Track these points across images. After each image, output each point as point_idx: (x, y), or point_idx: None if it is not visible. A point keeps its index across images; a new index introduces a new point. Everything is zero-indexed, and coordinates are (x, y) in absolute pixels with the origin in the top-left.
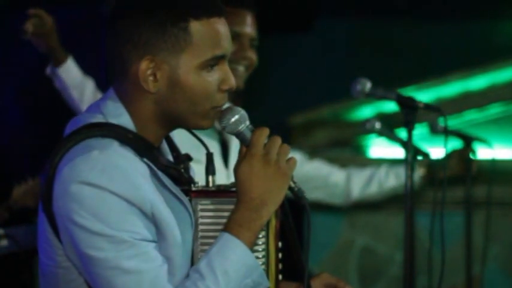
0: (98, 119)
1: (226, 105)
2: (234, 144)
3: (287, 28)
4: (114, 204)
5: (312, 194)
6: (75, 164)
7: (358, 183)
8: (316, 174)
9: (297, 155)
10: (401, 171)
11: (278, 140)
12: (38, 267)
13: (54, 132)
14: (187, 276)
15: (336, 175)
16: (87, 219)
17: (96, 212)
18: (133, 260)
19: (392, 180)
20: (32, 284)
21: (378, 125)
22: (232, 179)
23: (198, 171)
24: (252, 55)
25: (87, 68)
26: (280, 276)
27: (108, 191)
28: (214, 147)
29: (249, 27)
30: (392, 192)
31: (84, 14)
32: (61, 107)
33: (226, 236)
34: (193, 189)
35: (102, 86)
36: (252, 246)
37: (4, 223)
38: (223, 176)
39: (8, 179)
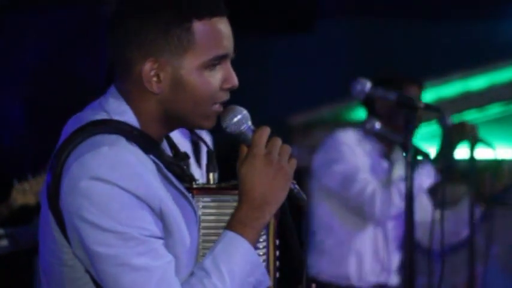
0: (102, 116)
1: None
2: (202, 144)
3: (287, 28)
4: (124, 201)
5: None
6: (84, 160)
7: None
8: None
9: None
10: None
11: (279, 140)
12: (39, 266)
13: (55, 131)
14: (192, 273)
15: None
16: (97, 216)
17: (106, 208)
18: (143, 257)
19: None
20: (32, 284)
21: (377, 125)
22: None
23: None
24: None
25: (86, 68)
26: (277, 274)
27: (118, 187)
28: (187, 146)
29: None
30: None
31: (84, 14)
32: (61, 106)
33: (231, 234)
34: (195, 186)
35: (102, 86)
36: (254, 244)
37: (4, 223)
38: (198, 174)
39: (9, 178)
